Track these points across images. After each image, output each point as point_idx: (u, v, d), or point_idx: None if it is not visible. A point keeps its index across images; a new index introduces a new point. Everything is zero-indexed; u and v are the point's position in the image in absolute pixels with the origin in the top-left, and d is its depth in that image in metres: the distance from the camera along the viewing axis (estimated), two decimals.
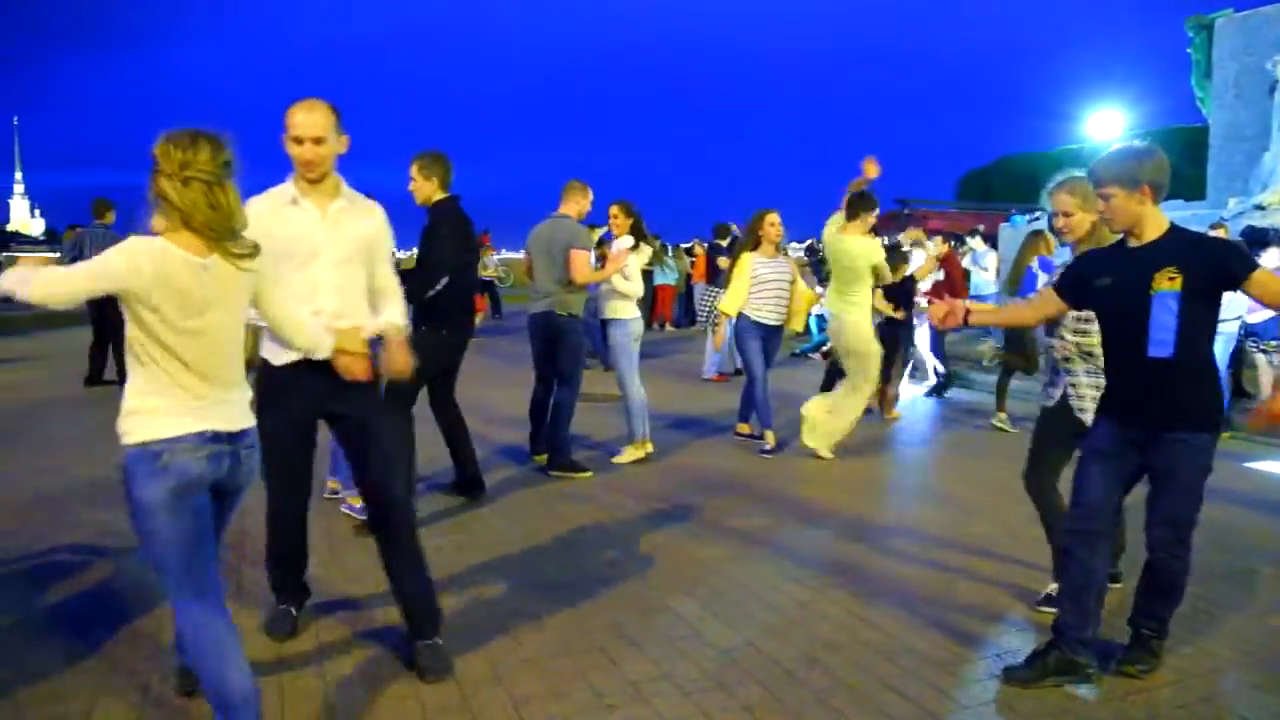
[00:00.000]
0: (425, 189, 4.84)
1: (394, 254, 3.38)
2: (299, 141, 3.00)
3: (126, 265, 2.19)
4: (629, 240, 6.21)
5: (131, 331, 2.29)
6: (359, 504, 4.60)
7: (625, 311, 6.19)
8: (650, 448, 6.38)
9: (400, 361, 3.11)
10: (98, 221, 9.06)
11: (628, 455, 6.29)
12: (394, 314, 3.24)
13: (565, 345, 5.90)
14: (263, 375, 3.12)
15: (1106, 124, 17.19)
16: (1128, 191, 2.97)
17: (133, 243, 2.24)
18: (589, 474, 5.86)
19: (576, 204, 6.02)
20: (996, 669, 3.25)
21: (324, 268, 3.09)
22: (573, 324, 5.92)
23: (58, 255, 19.91)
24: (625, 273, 6.08)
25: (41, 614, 3.58)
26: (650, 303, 13.97)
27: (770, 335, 6.72)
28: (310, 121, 2.99)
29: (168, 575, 2.35)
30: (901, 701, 3.02)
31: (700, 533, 4.80)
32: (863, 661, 3.31)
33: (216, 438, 2.34)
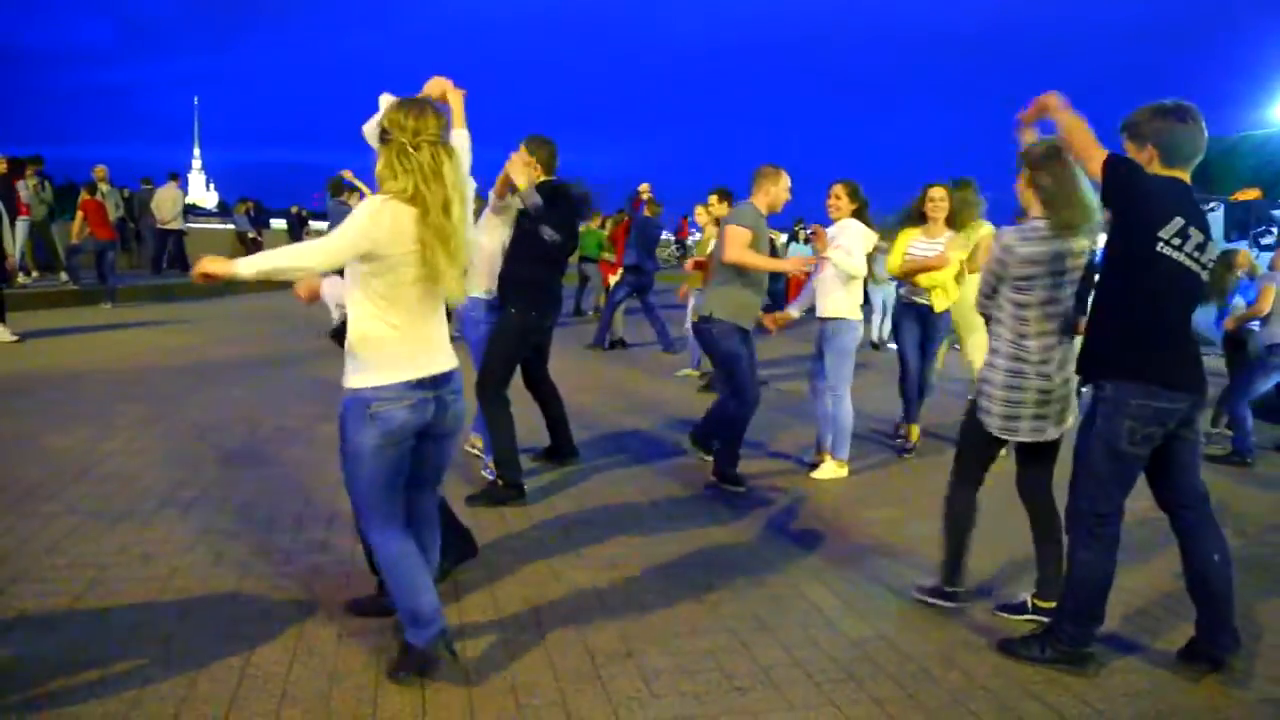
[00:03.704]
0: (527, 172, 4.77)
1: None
2: None
3: None
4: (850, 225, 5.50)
5: None
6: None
7: (849, 311, 5.51)
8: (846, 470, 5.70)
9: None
10: (336, 199, 9.94)
11: (828, 472, 5.63)
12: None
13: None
14: None
15: None
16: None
17: None
18: (742, 489, 5.26)
19: (767, 194, 5.24)
20: (1142, 681, 3.12)
21: None
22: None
23: (232, 227, 21.56)
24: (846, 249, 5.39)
25: (248, 546, 3.91)
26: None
27: (925, 317, 6.17)
28: None
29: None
30: (1041, 708, 2.93)
31: (837, 525, 4.75)
32: (1001, 665, 3.22)
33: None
